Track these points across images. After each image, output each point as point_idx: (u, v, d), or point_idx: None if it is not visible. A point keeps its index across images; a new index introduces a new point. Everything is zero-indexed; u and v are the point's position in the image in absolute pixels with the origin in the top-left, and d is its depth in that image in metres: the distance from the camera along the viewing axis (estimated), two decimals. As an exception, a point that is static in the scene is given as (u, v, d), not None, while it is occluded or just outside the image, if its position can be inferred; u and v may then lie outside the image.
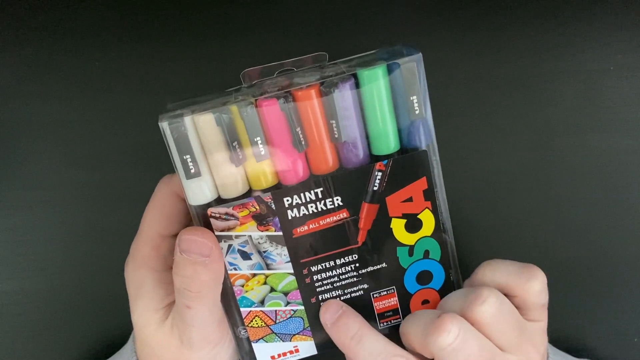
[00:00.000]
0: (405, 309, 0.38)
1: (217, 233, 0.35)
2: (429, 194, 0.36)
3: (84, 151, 0.45)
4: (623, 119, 0.45)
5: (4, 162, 0.45)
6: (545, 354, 0.38)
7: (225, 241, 0.36)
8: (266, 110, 0.33)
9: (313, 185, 0.35)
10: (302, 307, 0.38)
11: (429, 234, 0.37)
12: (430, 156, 0.35)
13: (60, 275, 0.46)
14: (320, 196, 0.35)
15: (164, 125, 0.33)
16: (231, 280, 0.37)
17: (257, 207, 0.35)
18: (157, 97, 0.44)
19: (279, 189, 0.35)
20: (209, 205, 0.35)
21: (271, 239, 0.36)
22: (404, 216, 0.36)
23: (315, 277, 0.37)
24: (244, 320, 0.38)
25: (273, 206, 0.35)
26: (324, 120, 0.34)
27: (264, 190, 0.35)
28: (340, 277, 0.37)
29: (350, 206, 0.36)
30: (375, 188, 0.36)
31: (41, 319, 0.47)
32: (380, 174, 0.35)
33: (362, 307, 0.38)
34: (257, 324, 0.38)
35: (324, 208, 0.36)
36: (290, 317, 0.38)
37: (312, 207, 0.36)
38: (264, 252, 0.36)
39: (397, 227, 0.37)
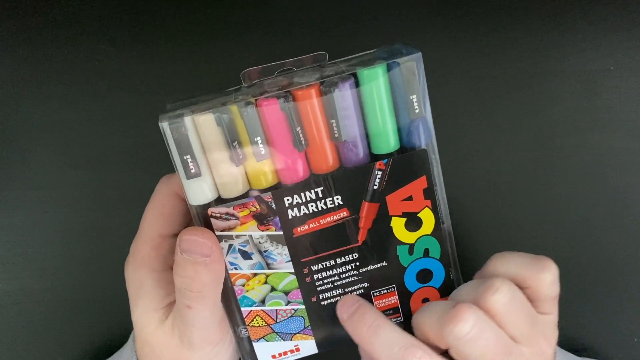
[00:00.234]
0: (405, 308, 0.38)
1: (217, 233, 0.35)
2: (429, 193, 0.36)
3: (84, 151, 0.45)
4: (623, 119, 0.46)
5: (4, 162, 0.45)
6: (555, 347, 0.37)
7: (225, 241, 0.36)
8: (266, 109, 0.33)
9: (313, 184, 0.35)
10: (303, 307, 0.38)
11: (429, 233, 0.37)
12: (429, 155, 0.35)
13: (60, 275, 0.46)
14: (320, 195, 0.35)
15: (164, 125, 0.33)
16: (232, 280, 0.37)
17: (258, 207, 0.35)
18: (157, 97, 0.43)
19: (279, 189, 0.35)
20: (209, 205, 0.35)
21: (272, 238, 0.36)
22: (404, 215, 0.36)
23: (315, 277, 0.37)
24: (245, 319, 0.38)
25: (273, 206, 0.35)
26: (324, 119, 0.34)
27: (265, 190, 0.35)
28: (341, 276, 0.37)
29: (351, 205, 0.36)
30: (375, 187, 0.36)
31: (41, 319, 0.47)
32: (380, 173, 0.35)
33: None
34: (257, 323, 0.38)
35: (324, 207, 0.36)
36: (291, 316, 0.38)
37: (312, 206, 0.36)
38: (265, 251, 0.36)
39: (397, 225, 0.37)
